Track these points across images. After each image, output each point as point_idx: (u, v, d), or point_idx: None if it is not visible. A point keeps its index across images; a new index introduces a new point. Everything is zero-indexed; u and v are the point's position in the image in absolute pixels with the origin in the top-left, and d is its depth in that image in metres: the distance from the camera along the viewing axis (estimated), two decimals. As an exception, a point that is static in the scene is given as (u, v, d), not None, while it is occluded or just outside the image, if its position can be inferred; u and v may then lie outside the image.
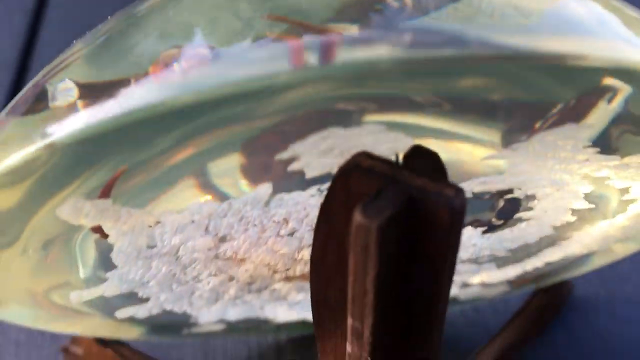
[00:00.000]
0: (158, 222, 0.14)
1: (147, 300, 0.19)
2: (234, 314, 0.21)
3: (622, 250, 0.21)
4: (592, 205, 0.17)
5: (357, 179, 0.11)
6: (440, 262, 0.11)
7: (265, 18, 0.12)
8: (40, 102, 0.13)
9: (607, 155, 0.14)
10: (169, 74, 0.11)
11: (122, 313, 0.19)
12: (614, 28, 0.13)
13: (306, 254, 0.16)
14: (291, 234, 0.15)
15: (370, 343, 0.12)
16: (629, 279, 0.28)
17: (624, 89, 0.13)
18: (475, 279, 0.22)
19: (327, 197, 0.12)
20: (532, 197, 0.16)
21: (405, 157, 0.11)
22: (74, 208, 0.13)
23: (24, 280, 0.16)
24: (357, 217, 0.10)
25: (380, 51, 0.10)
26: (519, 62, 0.11)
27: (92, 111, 0.11)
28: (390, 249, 0.11)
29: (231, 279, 0.18)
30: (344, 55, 0.10)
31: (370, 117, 0.12)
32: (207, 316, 0.21)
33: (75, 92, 0.13)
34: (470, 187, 0.14)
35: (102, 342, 0.23)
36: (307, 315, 0.21)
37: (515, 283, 0.22)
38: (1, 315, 0.20)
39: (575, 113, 0.12)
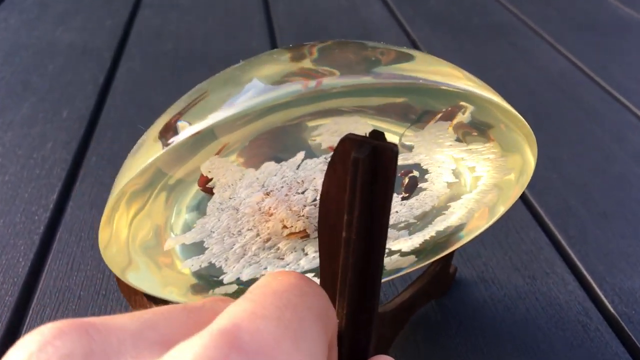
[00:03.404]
0: (243, 176, 0.25)
1: (204, 251, 0.29)
2: (246, 274, 0.32)
3: (478, 223, 0.33)
4: (457, 180, 0.29)
5: (348, 143, 0.24)
6: (388, 177, 0.24)
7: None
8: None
9: (460, 142, 0.27)
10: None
11: (185, 264, 0.30)
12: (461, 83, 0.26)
13: (307, 210, 0.28)
14: (302, 192, 0.27)
15: (356, 227, 0.24)
16: (495, 276, 0.43)
17: (469, 107, 0.26)
18: (395, 246, 0.33)
19: (332, 154, 0.24)
20: (426, 171, 0.28)
21: (369, 134, 0.24)
22: (209, 163, 0.24)
23: (158, 217, 0.27)
24: (353, 154, 0.23)
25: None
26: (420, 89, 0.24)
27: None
28: (368, 171, 0.23)
29: (257, 235, 0.29)
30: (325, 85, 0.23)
31: (357, 115, 0.24)
32: (229, 276, 0.31)
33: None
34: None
35: (151, 299, 0.32)
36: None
37: (418, 253, 0.34)
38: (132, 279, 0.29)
39: (448, 116, 0.26)
